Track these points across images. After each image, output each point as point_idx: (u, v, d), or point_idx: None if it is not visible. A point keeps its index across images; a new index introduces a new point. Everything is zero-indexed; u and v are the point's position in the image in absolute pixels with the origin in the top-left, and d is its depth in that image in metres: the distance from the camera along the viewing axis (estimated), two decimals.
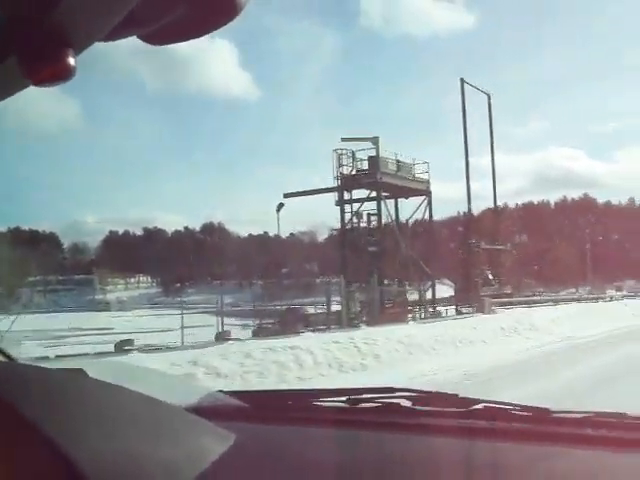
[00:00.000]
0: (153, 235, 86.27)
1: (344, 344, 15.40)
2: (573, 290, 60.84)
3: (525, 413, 1.64)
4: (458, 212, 52.64)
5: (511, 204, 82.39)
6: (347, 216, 36.20)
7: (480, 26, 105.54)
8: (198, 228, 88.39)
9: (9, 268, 64.59)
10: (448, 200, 64.38)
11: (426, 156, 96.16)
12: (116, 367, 3.24)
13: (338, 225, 37.27)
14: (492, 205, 43.72)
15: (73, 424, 1.06)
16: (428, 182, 37.52)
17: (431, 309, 36.09)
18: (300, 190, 38.88)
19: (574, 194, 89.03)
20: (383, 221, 36.20)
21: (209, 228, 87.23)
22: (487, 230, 42.20)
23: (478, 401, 1.69)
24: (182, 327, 29.95)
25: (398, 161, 36.05)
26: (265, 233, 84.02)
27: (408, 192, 37.17)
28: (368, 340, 16.06)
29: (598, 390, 10.59)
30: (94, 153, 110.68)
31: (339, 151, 35.07)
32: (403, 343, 16.69)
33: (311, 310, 36.06)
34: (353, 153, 35.20)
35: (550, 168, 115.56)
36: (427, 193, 37.47)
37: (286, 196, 39.02)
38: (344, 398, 1.82)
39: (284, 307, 36.57)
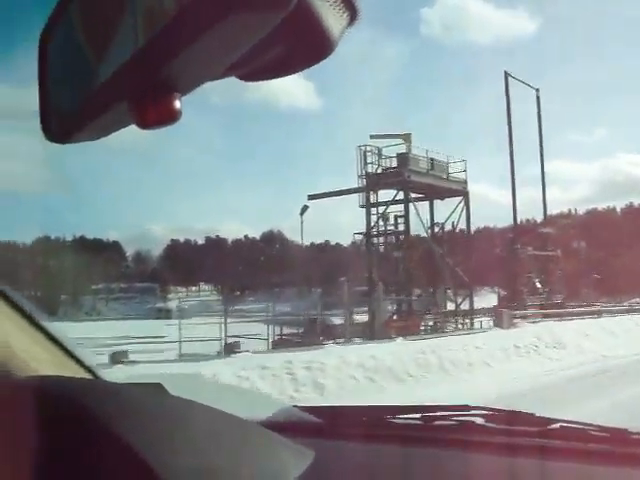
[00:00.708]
0: (214, 244, 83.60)
1: (274, 370, 11.33)
2: (638, 300, 54.80)
3: (602, 434, 1.60)
4: (524, 220, 47.41)
5: (577, 211, 77.74)
6: (374, 219, 32.01)
7: (543, 32, 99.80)
8: (258, 237, 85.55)
9: (74, 276, 64.29)
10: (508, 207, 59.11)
11: (485, 164, 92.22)
12: (192, 381, 3.33)
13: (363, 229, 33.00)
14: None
15: (158, 440, 1.05)
16: (465, 182, 33.04)
17: (467, 320, 31.50)
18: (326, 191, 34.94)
19: None
20: (412, 224, 31.82)
21: (269, 236, 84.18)
22: (539, 236, 37.53)
23: (555, 421, 1.66)
24: (180, 340, 26.78)
25: (431, 159, 31.84)
26: (327, 242, 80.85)
27: (442, 193, 32.86)
28: (314, 363, 11.90)
29: None
30: (160, 164, 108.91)
31: (363, 148, 30.90)
32: (365, 367, 12.49)
33: (338, 321, 32.01)
34: (379, 150, 31.04)
35: (618, 174, 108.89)
36: (464, 194, 32.95)
37: (310, 198, 35.17)
38: (418, 415, 1.80)
39: (307, 318, 32.64)
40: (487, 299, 41.09)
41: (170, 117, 0.62)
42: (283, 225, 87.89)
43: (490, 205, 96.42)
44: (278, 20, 0.56)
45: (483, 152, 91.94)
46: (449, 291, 33.25)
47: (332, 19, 0.60)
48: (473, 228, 54.63)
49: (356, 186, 31.28)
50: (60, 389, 1.13)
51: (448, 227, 34.22)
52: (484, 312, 33.66)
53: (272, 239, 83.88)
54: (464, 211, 33.07)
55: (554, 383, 13.28)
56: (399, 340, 16.37)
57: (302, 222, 36.80)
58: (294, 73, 0.67)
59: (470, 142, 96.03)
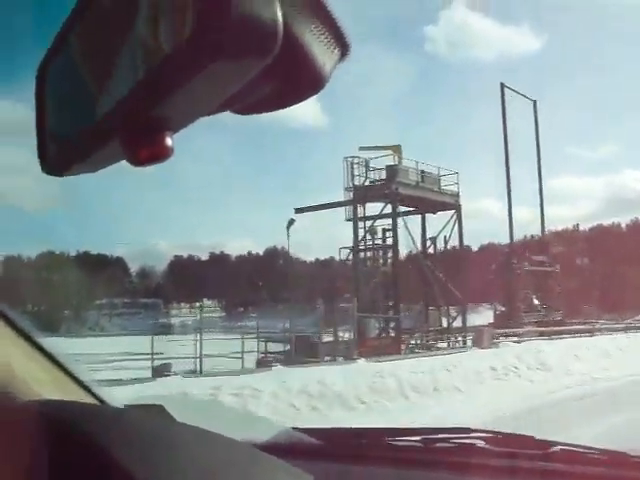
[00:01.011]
0: (218, 260, 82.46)
1: (197, 396, 9.75)
2: None
3: (602, 457, 1.58)
4: (528, 236, 45.79)
5: (581, 227, 75.89)
6: (362, 233, 30.53)
7: (547, 48, 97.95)
8: (262, 253, 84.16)
9: (77, 292, 63.64)
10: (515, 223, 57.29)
11: (491, 180, 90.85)
12: (192, 403, 3.31)
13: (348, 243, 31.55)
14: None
15: (157, 465, 1.01)
16: (457, 195, 31.61)
17: (460, 338, 29.76)
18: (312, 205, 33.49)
19: None
20: (401, 238, 30.27)
21: (272, 252, 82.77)
22: (537, 252, 36.01)
23: (555, 443, 1.64)
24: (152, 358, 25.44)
25: (422, 171, 30.31)
26: (332, 258, 79.62)
27: (433, 206, 31.30)
28: (246, 389, 10.29)
29: None
30: (165, 180, 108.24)
31: (350, 159, 29.38)
32: (308, 393, 10.89)
33: (326, 338, 30.31)
34: (366, 161, 29.56)
35: (624, 190, 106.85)
36: (456, 207, 31.37)
37: (297, 211, 33.58)
38: (419, 438, 1.76)
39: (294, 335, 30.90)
40: (485, 316, 39.47)
41: (161, 155, 0.62)
42: (291, 241, 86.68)
43: (496, 221, 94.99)
44: (262, 65, 0.56)
45: (490, 168, 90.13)
46: (441, 308, 31.60)
47: (323, 55, 0.61)
48: (477, 244, 52.83)
49: (343, 199, 29.81)
50: (63, 413, 1.13)
51: (441, 241, 32.73)
52: (475, 329, 32.15)
53: (276, 255, 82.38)
54: (456, 225, 31.50)
55: (532, 409, 11.80)
56: (361, 361, 14.68)
57: (289, 236, 35.25)
58: (286, 107, 0.67)
59: (477, 158, 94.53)
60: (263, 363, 24.23)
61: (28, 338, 1.26)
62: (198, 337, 28.39)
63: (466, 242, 32.97)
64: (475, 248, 64.82)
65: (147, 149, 0.62)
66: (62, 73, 0.72)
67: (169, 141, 0.62)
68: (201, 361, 24.61)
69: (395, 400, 11.78)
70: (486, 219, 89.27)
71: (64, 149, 0.72)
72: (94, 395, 1.40)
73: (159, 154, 0.62)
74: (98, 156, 0.69)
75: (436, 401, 12.18)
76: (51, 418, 1.08)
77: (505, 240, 40.99)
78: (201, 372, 22.98)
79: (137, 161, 0.63)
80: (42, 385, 1.26)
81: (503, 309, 35.43)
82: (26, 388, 1.21)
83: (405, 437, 1.80)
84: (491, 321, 34.82)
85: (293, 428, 1.84)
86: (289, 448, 1.55)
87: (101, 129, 0.65)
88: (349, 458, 1.60)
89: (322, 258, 79.53)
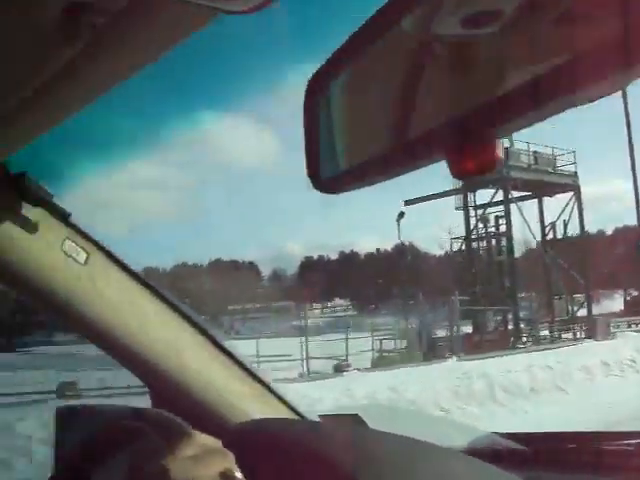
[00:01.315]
0: (347, 258, 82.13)
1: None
2: None
3: None
4: None
5: None
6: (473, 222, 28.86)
7: None
8: (390, 249, 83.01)
9: (212, 298, 65.22)
10: None
11: (619, 160, 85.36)
12: (385, 411, 2.81)
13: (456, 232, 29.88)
14: None
15: (377, 477, 1.02)
16: (575, 175, 28.92)
17: (586, 327, 27.31)
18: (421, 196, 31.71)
19: None
20: (517, 224, 28.28)
21: (400, 248, 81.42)
22: None
23: None
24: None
25: (535, 152, 27.98)
26: (461, 250, 77.40)
27: (549, 188, 28.84)
28: (303, 399, 9.05)
29: None
30: (292, 184, 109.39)
31: None
32: (374, 400, 9.49)
33: (441, 333, 28.63)
34: None
35: None
36: (575, 188, 28.83)
37: (407, 203, 32.11)
38: (634, 441, 1.50)
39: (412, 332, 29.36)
40: (618, 303, 36.58)
41: (491, 166, 0.55)
42: (416, 236, 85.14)
43: (628, 203, 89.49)
44: None
45: (617, 147, 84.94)
46: (564, 297, 29.16)
47: None
48: (611, 228, 49.40)
49: (451, 187, 28.09)
50: (279, 431, 1.15)
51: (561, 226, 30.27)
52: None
53: (403, 251, 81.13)
54: (575, 207, 29.00)
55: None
56: (451, 360, 13.13)
57: (399, 229, 33.90)
58: None
59: (601, 138, 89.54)
60: (340, 368, 23.04)
61: (229, 355, 1.28)
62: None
63: (597, 226, 30.39)
64: (609, 232, 61.04)
65: (475, 162, 0.54)
66: (343, 86, 0.65)
67: (500, 152, 0.54)
68: (308, 363, 23.65)
69: (482, 404, 10.29)
70: (617, 201, 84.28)
71: (343, 166, 0.66)
72: (293, 410, 1.39)
73: (489, 165, 0.54)
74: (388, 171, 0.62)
75: (531, 405, 10.59)
76: (269, 436, 1.09)
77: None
78: (309, 374, 22.15)
79: (463, 173, 0.55)
80: (248, 403, 1.29)
81: (635, 295, 32.71)
82: (233, 408, 1.25)
83: (623, 441, 1.51)
84: (622, 308, 32.14)
85: (494, 432, 1.68)
86: (492, 453, 1.43)
87: (414, 144, 0.58)
88: (557, 464, 1.43)
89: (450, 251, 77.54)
